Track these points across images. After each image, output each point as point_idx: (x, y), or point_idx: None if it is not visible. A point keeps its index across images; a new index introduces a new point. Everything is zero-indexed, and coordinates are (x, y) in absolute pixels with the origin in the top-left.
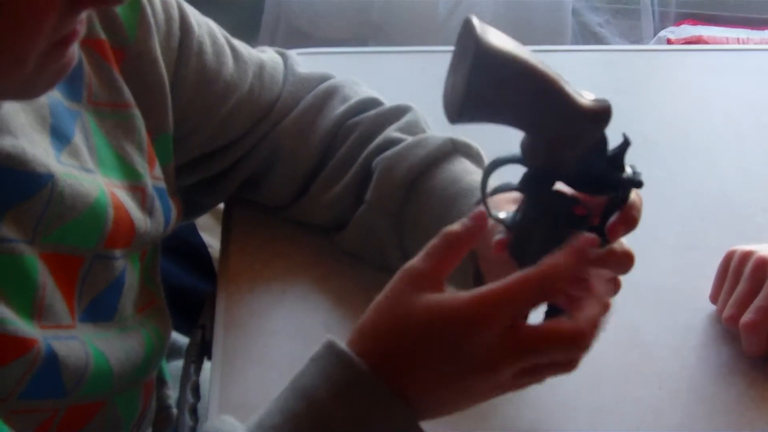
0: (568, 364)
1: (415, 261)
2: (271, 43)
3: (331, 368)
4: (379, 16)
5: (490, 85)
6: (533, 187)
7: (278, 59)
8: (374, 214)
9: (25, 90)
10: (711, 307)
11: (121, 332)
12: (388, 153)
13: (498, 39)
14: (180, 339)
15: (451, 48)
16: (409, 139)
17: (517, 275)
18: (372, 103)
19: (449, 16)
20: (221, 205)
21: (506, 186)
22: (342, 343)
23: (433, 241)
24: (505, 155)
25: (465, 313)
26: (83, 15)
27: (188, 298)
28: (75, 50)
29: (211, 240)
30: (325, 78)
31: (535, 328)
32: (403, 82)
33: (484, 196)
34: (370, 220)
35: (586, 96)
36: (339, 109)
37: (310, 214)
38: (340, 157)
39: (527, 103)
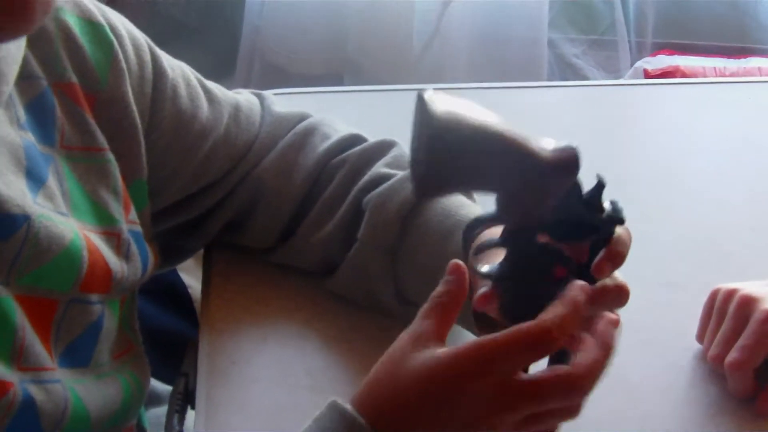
0: (570, 410)
1: (414, 323)
2: (247, 80)
3: (333, 426)
4: (354, 52)
5: (450, 157)
6: (514, 243)
7: (254, 100)
8: (368, 251)
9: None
10: (697, 347)
11: (97, 379)
12: (380, 189)
13: (451, 108)
14: (159, 386)
15: (425, 85)
16: (399, 173)
17: (514, 329)
18: (355, 139)
19: (424, 50)
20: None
21: (489, 242)
22: (345, 403)
23: (425, 305)
24: (483, 214)
25: (457, 366)
26: None
27: (169, 340)
28: None
29: (191, 281)
30: (302, 117)
31: (531, 379)
32: (379, 121)
33: (467, 255)
34: (364, 258)
35: (548, 144)
36: (321, 146)
37: (297, 257)
38: (328, 196)
39: (490, 167)
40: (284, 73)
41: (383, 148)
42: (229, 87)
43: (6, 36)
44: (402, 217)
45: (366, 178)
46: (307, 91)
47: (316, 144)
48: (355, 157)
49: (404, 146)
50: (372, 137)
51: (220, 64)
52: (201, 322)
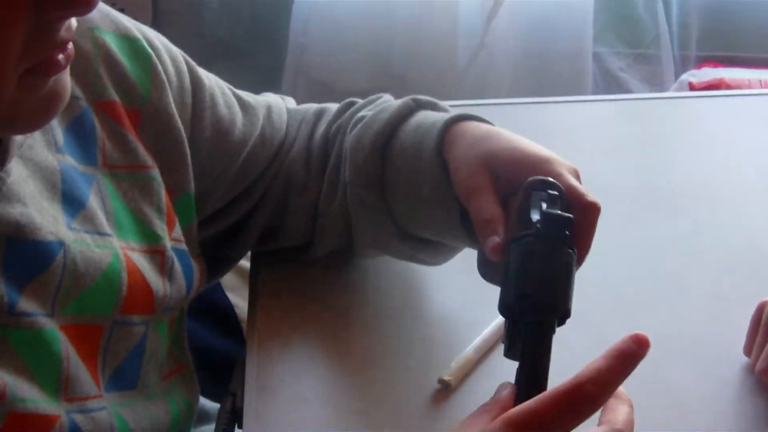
0: None
1: None
2: (293, 96)
3: None
4: (399, 67)
5: None
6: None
7: (280, 100)
8: (358, 191)
9: (10, 123)
10: (745, 360)
11: (146, 400)
12: (356, 129)
13: None
14: (207, 404)
15: (470, 101)
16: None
17: (546, 394)
18: (349, 104)
19: (469, 65)
20: (247, 265)
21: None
22: None
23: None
24: None
25: None
26: (63, 34)
27: (216, 360)
28: (64, 83)
29: (238, 300)
30: (314, 106)
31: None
32: None
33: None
34: (357, 199)
35: None
36: (325, 125)
37: (330, 238)
38: (332, 163)
39: None
40: (329, 89)
41: (370, 100)
42: None
43: (24, 131)
44: (378, 149)
45: (351, 127)
46: None
47: (322, 125)
48: (346, 119)
49: (391, 97)
50: None
51: (266, 82)
52: (248, 340)
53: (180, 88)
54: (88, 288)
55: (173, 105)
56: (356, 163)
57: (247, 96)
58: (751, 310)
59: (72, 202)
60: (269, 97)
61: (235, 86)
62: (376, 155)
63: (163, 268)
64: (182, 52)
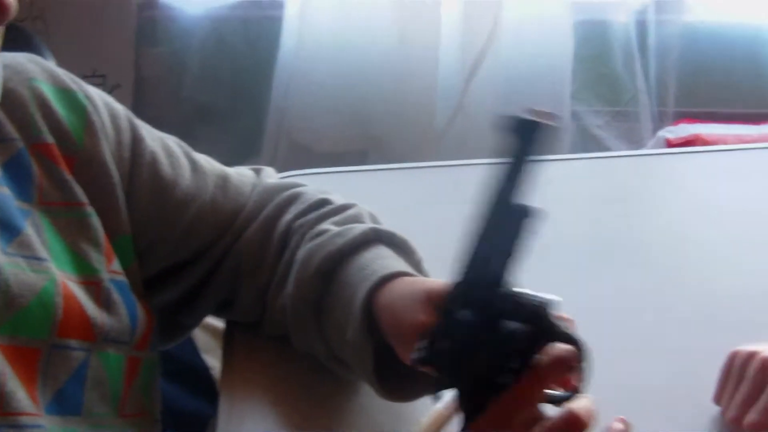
0: None
1: None
2: (273, 159)
3: None
4: (378, 130)
5: None
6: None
7: (249, 173)
8: (297, 305)
9: None
10: (715, 409)
11: (93, 429)
12: (310, 244)
13: None
14: None
15: (449, 162)
16: (335, 229)
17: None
18: (322, 203)
19: (447, 126)
20: (222, 326)
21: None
22: None
23: None
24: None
25: None
26: None
27: (191, 422)
28: None
29: (214, 362)
30: (290, 186)
31: None
32: (403, 198)
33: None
34: (295, 311)
35: None
36: (292, 214)
37: (275, 325)
38: (285, 260)
39: None
40: (309, 152)
41: (341, 209)
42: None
43: None
44: (324, 272)
45: (310, 235)
46: (331, 170)
47: (291, 212)
48: (312, 220)
49: (367, 208)
50: (395, 215)
51: (247, 145)
52: (221, 401)
53: (117, 142)
54: (22, 309)
55: (108, 154)
56: (300, 279)
57: (203, 161)
58: (719, 361)
59: (7, 229)
60: (236, 169)
61: (215, 149)
62: (318, 279)
63: (99, 298)
64: (127, 111)
